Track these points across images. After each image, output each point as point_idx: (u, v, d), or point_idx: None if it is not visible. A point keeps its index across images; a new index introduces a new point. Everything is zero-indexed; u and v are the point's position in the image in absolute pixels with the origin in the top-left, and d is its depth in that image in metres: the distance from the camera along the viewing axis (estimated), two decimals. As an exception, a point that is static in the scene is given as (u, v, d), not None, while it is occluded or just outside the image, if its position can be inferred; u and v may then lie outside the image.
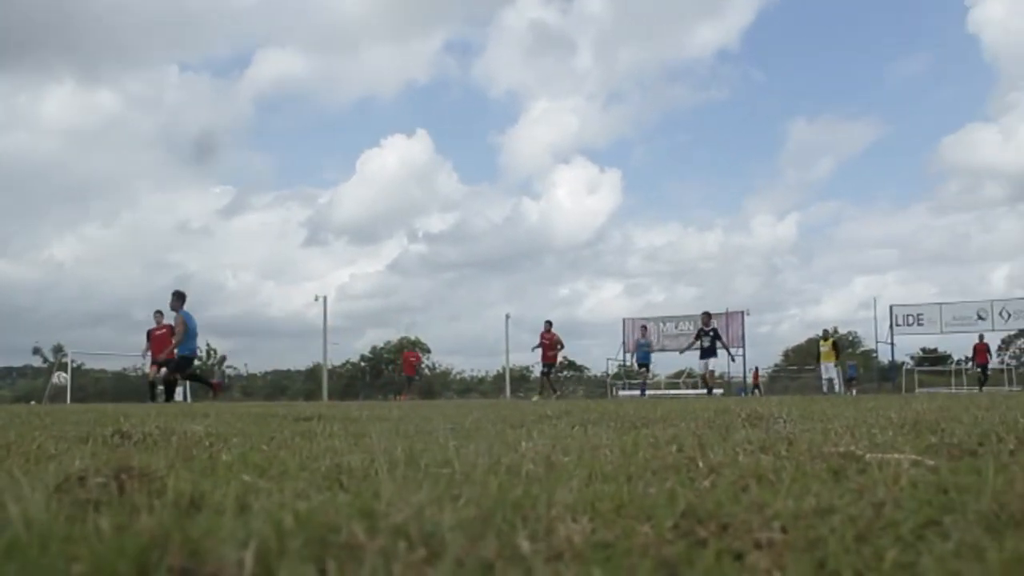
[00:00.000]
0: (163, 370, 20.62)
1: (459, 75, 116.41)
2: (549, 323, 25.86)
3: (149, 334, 20.61)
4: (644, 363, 27.51)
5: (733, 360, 24.71)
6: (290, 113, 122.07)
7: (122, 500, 1.38)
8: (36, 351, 63.44)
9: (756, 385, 42.45)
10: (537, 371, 28.30)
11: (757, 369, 46.13)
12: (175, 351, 18.78)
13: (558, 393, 26.27)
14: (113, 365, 55.69)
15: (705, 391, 23.31)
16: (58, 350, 44.93)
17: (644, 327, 32.17)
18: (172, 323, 21.20)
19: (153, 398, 20.29)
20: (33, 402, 15.88)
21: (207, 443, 3.10)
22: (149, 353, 20.49)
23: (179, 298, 19.03)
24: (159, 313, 20.76)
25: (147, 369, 21.53)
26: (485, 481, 1.68)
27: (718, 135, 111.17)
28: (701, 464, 2.12)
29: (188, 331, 19.04)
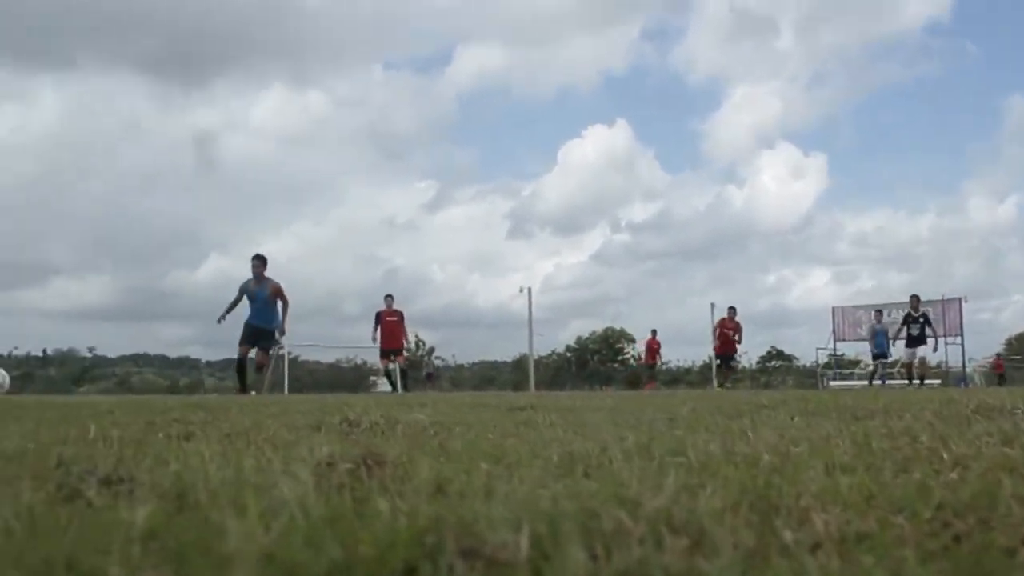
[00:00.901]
0: (393, 359, 21.18)
1: (658, 62, 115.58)
2: (733, 309, 25.15)
3: (379, 317, 21.03)
4: (881, 352, 25.94)
5: (935, 350, 23.35)
6: (491, 107, 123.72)
7: (371, 485, 1.42)
8: (254, 344, 65.73)
9: (1000, 375, 40.32)
10: (743, 361, 27.39)
11: (999, 357, 44.08)
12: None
13: (728, 384, 25.61)
14: (327, 356, 57.76)
15: (907, 382, 22.21)
16: (276, 343, 46.78)
17: (879, 312, 30.30)
18: (402, 310, 21.69)
19: (394, 387, 20.92)
20: (253, 392, 16.57)
21: (432, 431, 3.16)
22: (379, 335, 20.95)
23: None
24: (390, 297, 21.19)
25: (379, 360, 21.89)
26: (723, 471, 1.66)
27: (930, 113, 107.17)
28: (945, 456, 2.03)
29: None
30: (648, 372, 33.53)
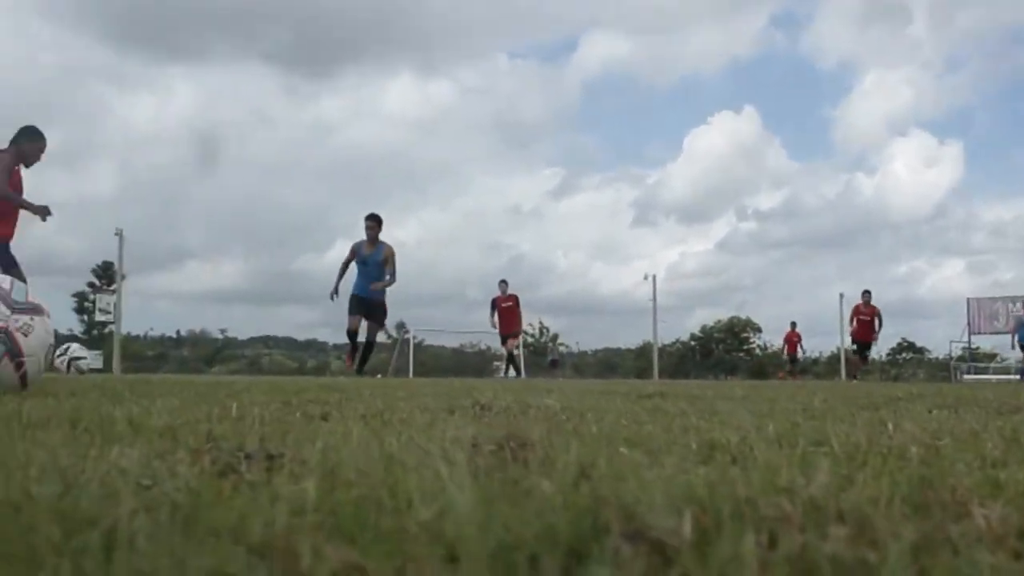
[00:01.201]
0: (508, 341, 21.35)
1: (786, 49, 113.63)
2: (868, 294, 24.34)
3: (495, 303, 21.20)
4: None
5: None
6: (616, 95, 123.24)
7: (517, 467, 1.43)
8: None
9: None
10: (872, 353, 26.54)
11: None
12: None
13: (857, 377, 24.94)
14: (451, 341, 58.44)
15: None
16: (401, 327, 47.41)
17: (1025, 302, 28.73)
18: (517, 294, 21.74)
19: (518, 371, 21.06)
20: (380, 375, 16.79)
21: (563, 416, 3.17)
22: (498, 322, 21.12)
23: None
24: (504, 283, 21.30)
25: (501, 344, 21.97)
26: (871, 462, 1.62)
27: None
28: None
29: None
30: (791, 364, 33.08)
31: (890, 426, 2.65)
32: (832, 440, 1.98)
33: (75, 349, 18.76)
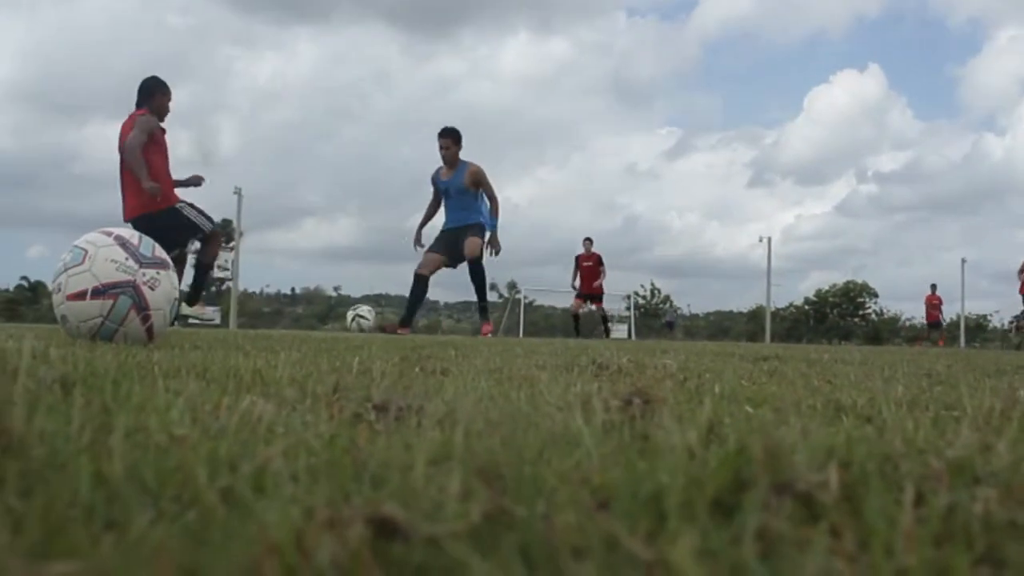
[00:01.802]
0: (589, 304, 21.08)
1: (915, 5, 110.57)
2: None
3: (577, 261, 20.99)
4: None
5: None
6: (736, 53, 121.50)
7: (644, 422, 1.42)
8: (492, 287, 67.68)
9: None
10: (994, 321, 25.51)
11: None
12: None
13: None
14: (562, 302, 58.59)
15: None
16: (512, 287, 47.63)
17: None
18: (600, 253, 21.24)
19: (577, 331, 20.63)
20: (489, 334, 16.95)
21: (681, 376, 3.15)
22: (579, 281, 20.91)
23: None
24: (588, 240, 21.04)
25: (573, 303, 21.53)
26: (1007, 428, 1.58)
27: None
28: None
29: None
30: (934, 331, 31.83)
31: (1022, 393, 2.58)
32: (965, 404, 1.93)
33: (363, 310, 19.48)
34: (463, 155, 12.01)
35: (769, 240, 38.18)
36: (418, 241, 12.25)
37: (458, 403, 1.59)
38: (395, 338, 7.49)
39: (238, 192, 29.83)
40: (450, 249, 11.92)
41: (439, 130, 11.93)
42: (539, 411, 1.46)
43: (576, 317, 21.33)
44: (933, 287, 31.19)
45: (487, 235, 11.88)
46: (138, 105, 9.30)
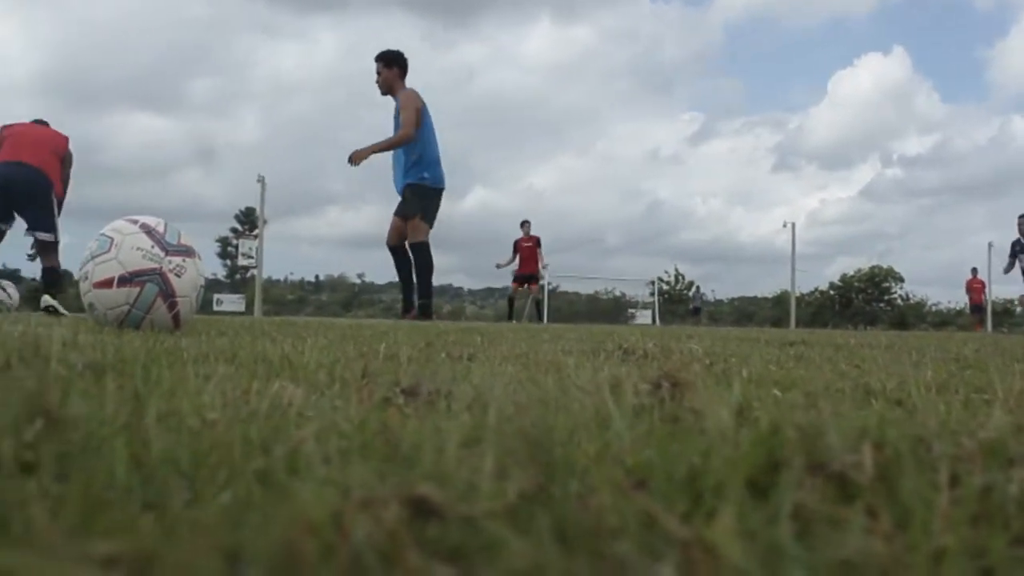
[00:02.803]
0: (527, 286, 21.20)
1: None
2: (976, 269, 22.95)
3: (516, 244, 21.22)
4: None
5: None
6: (759, 37, 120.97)
7: (674, 405, 1.42)
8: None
9: None
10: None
11: None
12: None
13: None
14: (586, 288, 58.57)
15: None
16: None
17: None
18: (539, 236, 21.33)
19: (511, 316, 20.67)
20: (514, 321, 16.97)
21: (707, 361, 3.14)
22: (516, 264, 21.17)
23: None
24: (527, 223, 21.26)
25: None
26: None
27: None
28: None
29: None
30: (975, 315, 31.48)
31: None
32: (996, 387, 1.92)
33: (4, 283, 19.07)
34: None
35: (793, 225, 37.87)
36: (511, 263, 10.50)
37: (486, 387, 1.59)
38: (420, 324, 7.49)
39: (261, 180, 29.83)
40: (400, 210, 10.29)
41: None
42: (567, 394, 1.46)
43: (511, 300, 21.56)
44: (974, 271, 30.79)
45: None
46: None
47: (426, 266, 10.02)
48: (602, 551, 0.61)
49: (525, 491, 0.70)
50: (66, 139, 10.09)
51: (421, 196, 10.04)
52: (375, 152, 9.96)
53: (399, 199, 10.25)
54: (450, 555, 0.64)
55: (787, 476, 0.75)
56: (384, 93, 10.23)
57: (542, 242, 21.27)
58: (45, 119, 10.24)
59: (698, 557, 0.59)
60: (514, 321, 18.05)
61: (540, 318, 21.26)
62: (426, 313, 9.97)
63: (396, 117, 10.07)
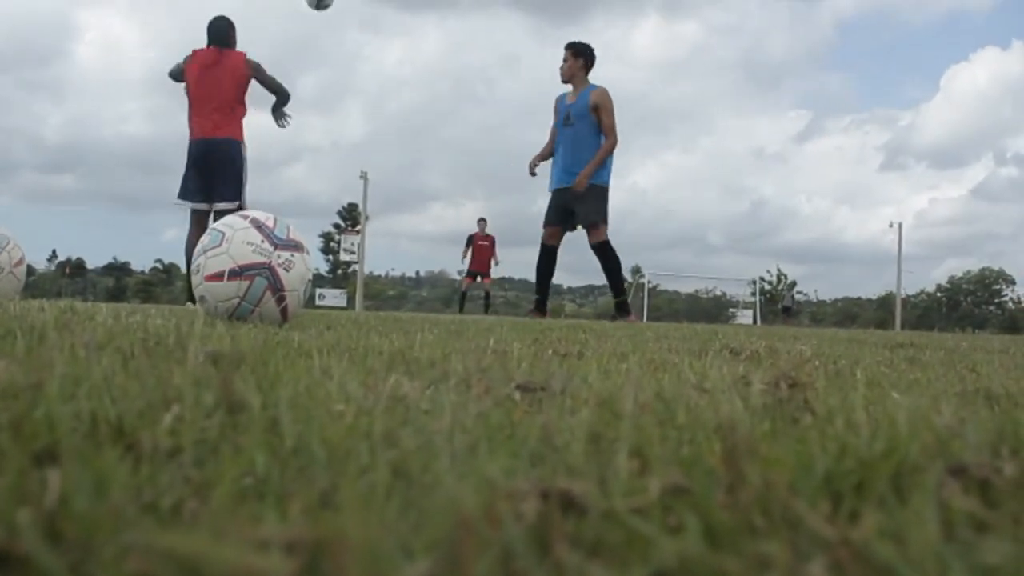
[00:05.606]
0: (479, 280, 21.39)
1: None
2: None
3: (471, 239, 21.79)
4: None
5: None
6: (871, 33, 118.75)
7: (793, 406, 1.41)
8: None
9: None
10: None
11: None
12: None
13: None
14: (686, 287, 58.11)
15: None
16: (636, 271, 47.40)
17: None
18: (494, 235, 21.46)
19: (461, 310, 20.81)
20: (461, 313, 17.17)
21: (816, 361, 3.10)
22: (468, 259, 21.66)
23: None
24: (483, 220, 21.99)
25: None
26: None
27: None
28: None
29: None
30: None
31: None
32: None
33: None
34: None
35: (900, 225, 37.17)
36: (532, 170, 10.26)
37: (604, 384, 1.60)
38: (523, 321, 7.50)
39: (364, 176, 30.21)
40: (562, 218, 9.84)
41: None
42: (686, 393, 1.45)
43: (463, 294, 22.63)
44: None
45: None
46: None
47: (618, 265, 9.75)
48: (749, 550, 0.61)
49: (667, 488, 0.70)
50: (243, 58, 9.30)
51: (603, 199, 9.73)
52: (596, 167, 9.59)
53: (558, 197, 9.86)
54: (591, 550, 0.64)
55: (929, 478, 0.74)
56: (565, 81, 10.01)
57: (497, 241, 22.22)
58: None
59: (847, 558, 0.58)
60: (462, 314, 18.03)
61: (486, 309, 21.88)
62: (624, 311, 9.75)
63: (570, 107, 9.80)
